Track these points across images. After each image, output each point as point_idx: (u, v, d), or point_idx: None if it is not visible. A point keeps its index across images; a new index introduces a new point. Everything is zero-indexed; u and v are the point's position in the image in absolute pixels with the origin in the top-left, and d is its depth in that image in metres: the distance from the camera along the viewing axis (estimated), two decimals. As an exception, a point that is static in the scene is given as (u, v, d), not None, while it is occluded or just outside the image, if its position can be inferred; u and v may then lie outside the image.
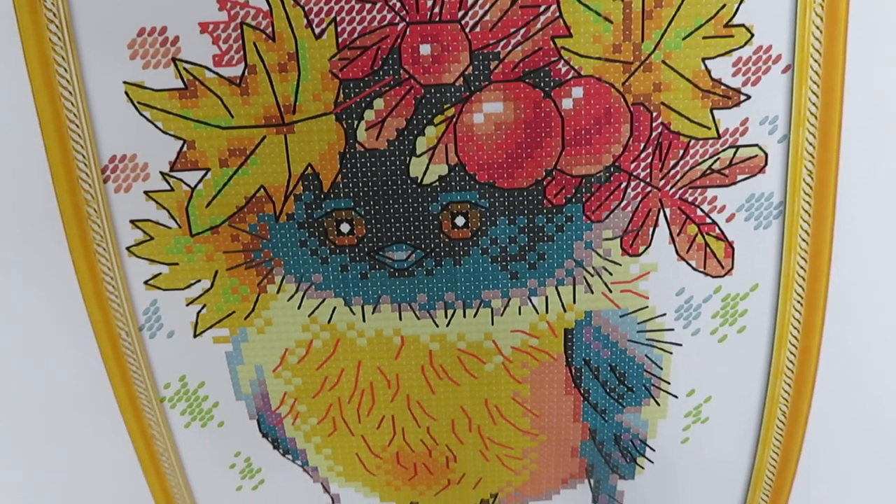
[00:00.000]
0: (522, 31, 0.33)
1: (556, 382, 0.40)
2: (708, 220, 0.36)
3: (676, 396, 0.40)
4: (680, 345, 0.39)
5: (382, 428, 0.41)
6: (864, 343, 0.39)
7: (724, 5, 0.33)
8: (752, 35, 0.33)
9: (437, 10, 0.33)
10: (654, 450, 0.42)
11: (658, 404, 0.41)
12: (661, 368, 0.39)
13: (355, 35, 0.33)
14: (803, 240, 0.37)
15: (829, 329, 0.39)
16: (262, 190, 0.35)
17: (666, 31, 0.33)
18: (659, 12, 0.33)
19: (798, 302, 0.38)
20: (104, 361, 0.38)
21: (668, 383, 0.40)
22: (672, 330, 0.38)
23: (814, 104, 0.34)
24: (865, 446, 0.42)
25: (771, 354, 0.39)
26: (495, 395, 0.40)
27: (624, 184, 0.36)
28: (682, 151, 0.35)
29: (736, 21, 0.33)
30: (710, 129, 0.35)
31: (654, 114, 0.35)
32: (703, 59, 0.34)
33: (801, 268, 0.37)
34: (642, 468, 0.43)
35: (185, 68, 0.33)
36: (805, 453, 0.42)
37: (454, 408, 0.41)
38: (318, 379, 0.40)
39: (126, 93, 0.33)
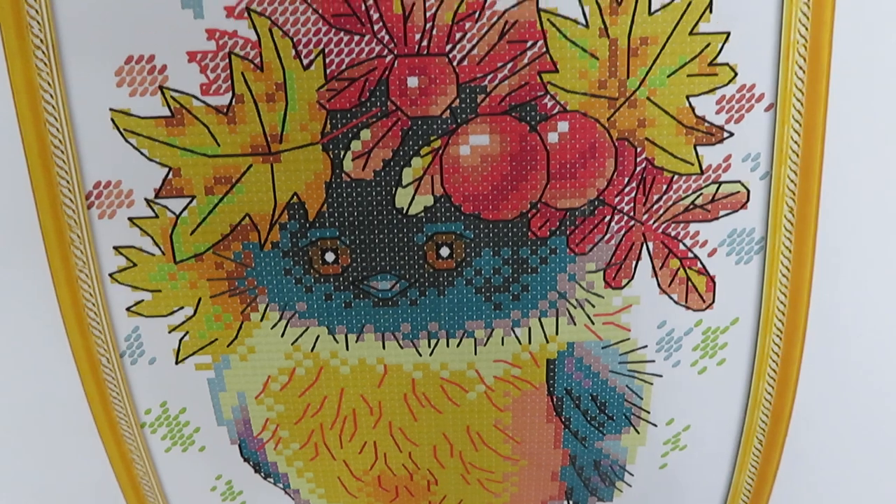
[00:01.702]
0: (509, 65, 0.32)
1: (537, 411, 0.38)
2: (690, 255, 0.35)
3: (656, 425, 0.39)
4: (660, 376, 0.38)
5: (364, 453, 0.40)
6: (843, 374, 0.38)
7: (708, 44, 0.32)
8: (736, 74, 0.32)
9: (425, 43, 0.32)
10: (632, 474, 0.41)
11: (637, 432, 0.39)
12: (642, 398, 0.38)
13: (343, 66, 0.32)
14: (783, 275, 0.36)
15: (808, 361, 0.38)
16: (247, 218, 0.34)
17: (651, 68, 0.32)
18: (644, 50, 0.32)
19: (777, 335, 0.37)
20: (84, 387, 0.36)
21: (648, 412, 0.39)
22: (653, 361, 0.37)
23: (795, 142, 0.34)
24: (840, 471, 0.41)
25: (750, 386, 0.38)
26: (477, 422, 0.39)
27: (608, 217, 0.34)
28: (665, 186, 0.34)
29: (720, 60, 0.32)
30: (693, 164, 0.34)
31: (639, 149, 0.34)
32: (688, 97, 0.33)
33: (781, 302, 0.36)
34: (620, 491, 0.42)
35: (172, 96, 0.32)
36: (780, 476, 0.41)
37: (436, 434, 0.39)
38: (300, 405, 0.38)
39: (112, 119, 0.32)
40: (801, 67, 0.33)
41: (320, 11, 0.31)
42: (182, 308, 0.35)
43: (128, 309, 0.35)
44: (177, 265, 0.34)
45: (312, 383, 0.37)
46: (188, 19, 0.31)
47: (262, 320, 0.36)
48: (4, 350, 0.36)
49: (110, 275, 0.34)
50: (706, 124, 0.33)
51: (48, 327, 0.35)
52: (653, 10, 0.32)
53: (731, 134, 0.33)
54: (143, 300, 0.35)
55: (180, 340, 0.36)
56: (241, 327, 0.36)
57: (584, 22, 0.32)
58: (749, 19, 0.32)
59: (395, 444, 0.39)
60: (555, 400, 0.38)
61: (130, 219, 0.33)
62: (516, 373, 0.37)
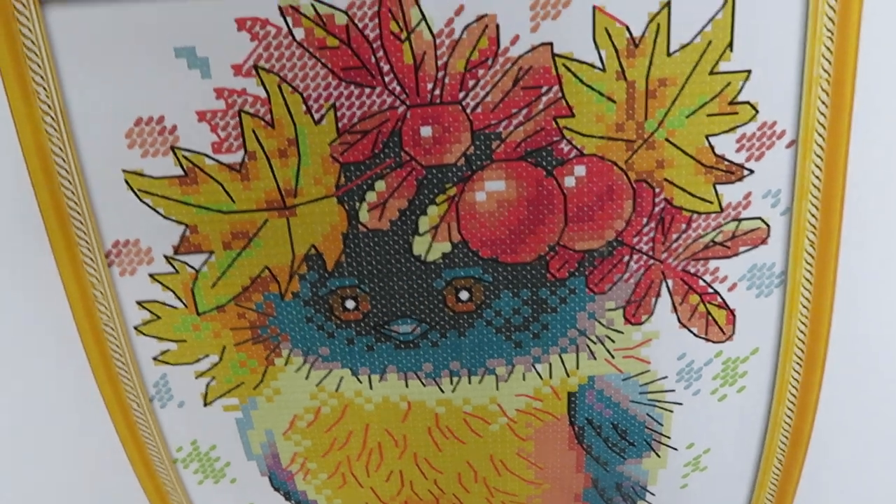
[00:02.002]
0: (524, 111, 0.31)
1: (559, 439, 0.38)
2: (710, 290, 0.34)
3: (676, 449, 0.39)
4: (681, 404, 0.37)
5: (391, 480, 0.40)
6: (862, 395, 0.38)
7: (728, 83, 0.31)
8: (757, 112, 0.31)
9: (437, 92, 0.31)
10: (653, 494, 0.41)
11: (658, 456, 0.39)
12: (662, 425, 0.38)
13: (355, 119, 0.31)
14: (804, 306, 0.35)
15: (828, 386, 0.37)
16: (266, 270, 0.33)
17: (670, 109, 0.31)
18: (663, 91, 0.31)
19: (797, 363, 0.36)
20: (117, 430, 0.36)
21: (669, 437, 0.38)
22: (673, 391, 0.37)
23: (817, 177, 0.32)
24: (858, 491, 0.41)
25: (769, 410, 0.38)
26: (500, 451, 0.39)
27: (627, 257, 0.34)
28: (684, 225, 0.33)
29: (741, 98, 0.31)
30: (712, 203, 0.33)
31: (657, 189, 0.33)
32: (707, 136, 0.31)
33: (801, 332, 0.35)
34: (642, 507, 0.42)
35: (184, 156, 0.31)
36: (799, 494, 0.41)
37: (460, 463, 0.39)
38: (327, 440, 0.38)
39: (126, 181, 0.32)
40: (823, 103, 0.31)
41: (329, 66, 0.30)
42: (207, 356, 0.35)
43: (154, 358, 0.35)
44: (200, 316, 0.34)
45: (338, 420, 0.37)
46: (196, 79, 0.30)
47: (286, 365, 0.35)
48: (38, 402, 0.36)
49: (135, 327, 0.34)
50: (726, 163, 0.32)
51: (78, 379, 0.35)
52: (671, 50, 0.30)
53: (752, 171, 0.32)
54: (168, 350, 0.35)
55: (207, 385, 0.36)
56: (266, 371, 0.36)
57: (600, 66, 0.30)
58: (770, 56, 0.30)
59: (420, 472, 0.39)
60: (576, 429, 0.38)
61: (151, 275, 0.33)
62: (538, 405, 0.37)
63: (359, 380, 0.36)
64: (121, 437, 0.37)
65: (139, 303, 0.33)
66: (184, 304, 0.34)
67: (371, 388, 0.36)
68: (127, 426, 0.36)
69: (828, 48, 0.30)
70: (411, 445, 0.38)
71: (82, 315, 0.33)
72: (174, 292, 0.33)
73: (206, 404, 0.36)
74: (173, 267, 0.33)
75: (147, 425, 0.37)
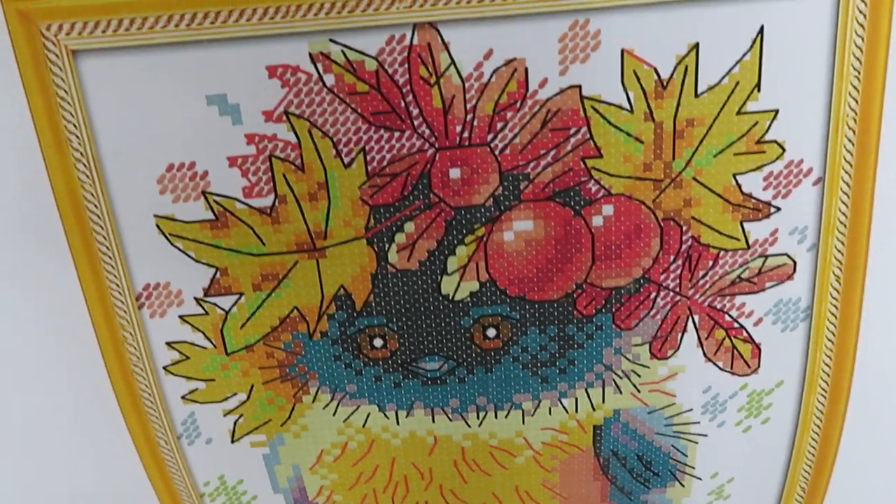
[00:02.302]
0: (552, 152, 0.31)
1: (584, 471, 0.39)
2: (736, 325, 0.34)
3: (700, 479, 0.39)
4: (705, 435, 0.37)
5: (416, 511, 0.41)
6: (886, 427, 0.38)
7: (756, 123, 0.31)
8: (784, 150, 0.31)
9: (466, 134, 0.31)
10: (677, 520, 0.42)
11: (682, 486, 0.39)
12: (686, 455, 0.38)
13: (385, 163, 0.31)
14: (829, 339, 0.35)
15: (851, 416, 0.38)
16: (295, 311, 0.33)
17: (697, 149, 0.31)
18: (690, 131, 0.31)
19: (822, 395, 0.36)
20: (144, 466, 0.36)
21: (693, 468, 0.39)
22: (698, 423, 0.37)
23: (843, 213, 0.33)
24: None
25: (793, 441, 0.38)
26: (525, 482, 0.39)
27: (653, 294, 0.34)
28: (711, 262, 0.33)
29: (768, 137, 0.31)
30: (739, 240, 0.33)
31: (684, 227, 0.33)
32: (734, 175, 0.32)
33: (826, 364, 0.35)
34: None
35: (215, 201, 0.31)
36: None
37: (486, 494, 0.39)
38: (353, 473, 0.38)
39: (157, 225, 0.32)
40: (850, 140, 0.32)
41: (359, 110, 0.30)
42: (236, 394, 0.35)
43: (183, 397, 0.35)
44: (228, 356, 0.34)
45: (364, 455, 0.37)
46: (227, 125, 0.30)
47: (313, 402, 0.35)
48: (66, 441, 0.37)
49: (164, 367, 0.35)
50: (753, 201, 0.32)
51: (107, 418, 0.35)
52: (699, 91, 0.30)
53: (779, 209, 0.32)
54: (197, 388, 0.35)
55: (235, 422, 0.36)
56: (293, 409, 0.36)
57: (628, 107, 0.30)
58: (798, 95, 0.30)
59: (445, 502, 0.40)
60: (601, 460, 0.38)
61: (181, 316, 0.33)
62: (563, 438, 0.37)
63: (386, 416, 0.36)
64: (148, 473, 0.37)
65: (168, 343, 0.34)
66: (213, 344, 0.34)
67: (398, 423, 0.36)
68: (154, 462, 0.37)
69: (854, 87, 0.30)
70: (437, 478, 0.38)
71: (112, 356, 0.33)
72: (203, 333, 0.33)
73: (233, 441, 0.36)
74: (203, 308, 0.33)
75: (174, 461, 0.37)
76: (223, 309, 0.33)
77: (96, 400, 0.35)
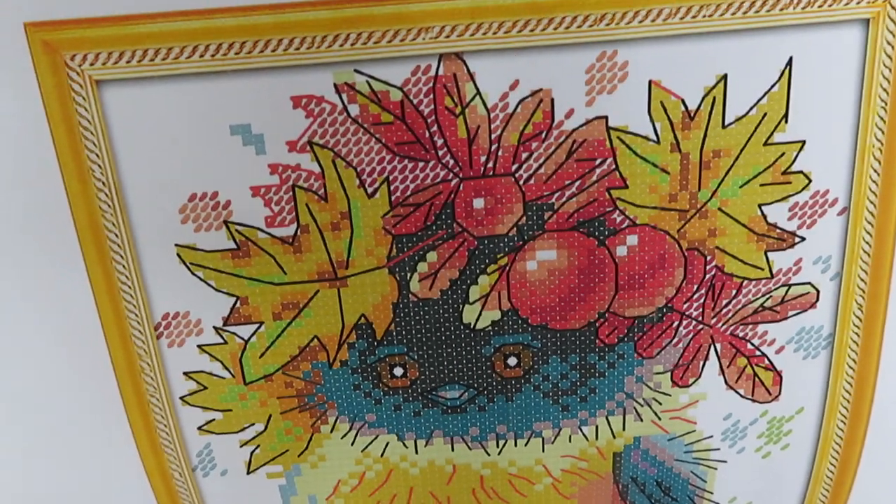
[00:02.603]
0: (577, 183, 0.31)
1: (603, 497, 0.38)
2: (757, 353, 0.35)
3: (719, 503, 0.40)
4: (725, 462, 0.37)
5: (432, 538, 0.40)
6: (903, 452, 0.38)
7: (783, 154, 0.31)
8: (810, 181, 0.31)
9: (490, 164, 0.31)
10: (693, 545, 0.42)
11: (700, 510, 0.40)
12: (705, 481, 0.38)
13: (408, 193, 0.31)
14: (850, 367, 0.35)
15: (870, 443, 0.38)
16: (315, 340, 0.33)
17: (723, 180, 0.31)
18: (717, 162, 0.31)
19: (842, 421, 0.37)
20: (157, 499, 0.36)
21: (711, 493, 0.39)
22: (718, 449, 0.37)
23: (867, 242, 0.33)
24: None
25: (812, 466, 0.38)
26: (543, 509, 0.39)
27: (676, 323, 0.34)
28: (734, 291, 0.33)
29: (794, 168, 0.31)
30: (763, 270, 0.33)
31: (709, 257, 0.33)
32: (760, 205, 0.32)
33: (847, 391, 0.36)
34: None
35: (237, 230, 0.31)
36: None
37: (503, 521, 0.40)
38: (371, 503, 0.38)
39: (178, 255, 0.31)
40: (875, 171, 0.32)
41: (384, 140, 0.30)
42: (253, 424, 0.35)
43: (199, 428, 0.35)
44: (247, 386, 0.34)
45: (382, 484, 0.37)
46: (250, 155, 0.29)
47: (332, 432, 0.35)
48: (80, 472, 0.36)
49: (181, 398, 0.34)
50: (778, 231, 0.32)
51: (121, 448, 0.34)
52: (727, 123, 0.30)
53: (803, 239, 0.32)
54: (213, 419, 0.34)
55: (251, 453, 0.35)
56: (311, 439, 0.35)
57: (654, 138, 0.30)
58: (825, 126, 0.31)
59: (462, 530, 0.40)
60: (620, 487, 0.38)
61: (199, 346, 0.33)
62: (583, 465, 0.37)
63: (405, 445, 0.36)
64: None
65: (186, 373, 0.33)
66: (231, 374, 0.33)
67: (417, 452, 0.36)
68: (168, 495, 0.36)
69: (881, 117, 0.30)
70: (455, 505, 0.38)
71: (128, 386, 0.33)
72: (222, 362, 0.33)
73: (249, 472, 0.36)
74: (222, 338, 0.32)
75: (188, 494, 0.36)
76: (242, 338, 0.33)
77: (111, 431, 0.34)
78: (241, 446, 0.35)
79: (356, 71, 0.28)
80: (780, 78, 0.29)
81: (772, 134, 0.30)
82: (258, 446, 0.35)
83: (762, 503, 0.39)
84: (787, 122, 0.30)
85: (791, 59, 0.29)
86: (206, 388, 0.34)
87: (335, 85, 0.29)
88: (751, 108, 0.30)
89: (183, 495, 0.36)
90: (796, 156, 0.31)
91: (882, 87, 0.30)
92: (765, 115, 0.30)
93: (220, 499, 0.36)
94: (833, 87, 0.30)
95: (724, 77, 0.29)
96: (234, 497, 0.37)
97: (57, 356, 0.32)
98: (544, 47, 0.29)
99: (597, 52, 0.29)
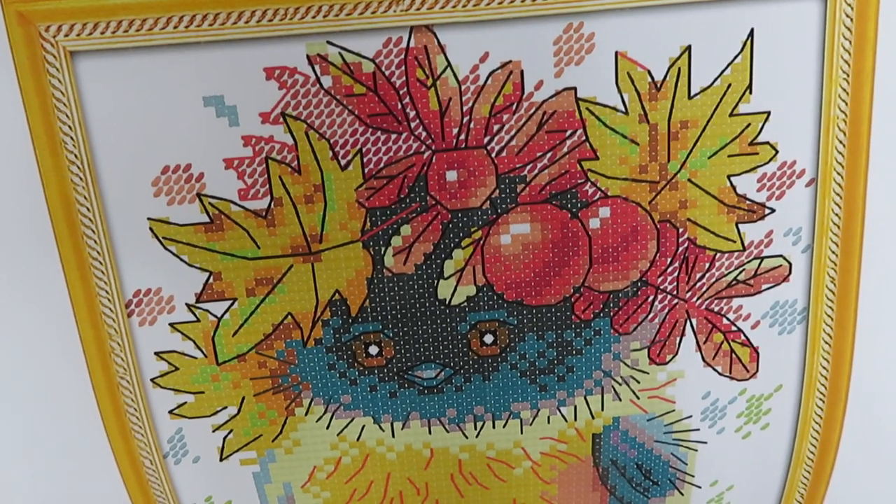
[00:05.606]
0: (549, 155, 0.33)
1: (583, 481, 0.39)
2: (733, 328, 0.36)
3: (700, 487, 0.40)
4: (705, 443, 0.38)
5: (410, 530, 0.41)
6: (885, 431, 0.40)
7: (748, 124, 0.33)
8: (777, 152, 0.33)
9: (462, 137, 0.32)
10: (677, 534, 0.43)
11: (682, 494, 0.40)
12: (686, 464, 0.39)
13: (381, 165, 0.32)
14: (826, 342, 0.37)
15: (850, 420, 0.39)
16: (289, 317, 0.34)
17: (692, 151, 0.33)
18: (685, 133, 0.33)
19: (820, 399, 0.38)
20: (127, 487, 0.37)
21: (693, 476, 0.40)
22: (698, 430, 0.38)
23: (836, 214, 0.34)
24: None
25: (792, 446, 0.39)
26: (523, 495, 0.40)
27: (651, 297, 0.35)
28: (707, 264, 0.35)
29: (761, 139, 0.33)
30: (735, 242, 0.34)
31: (681, 230, 0.34)
32: (729, 176, 0.33)
33: (824, 368, 0.37)
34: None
35: (210, 203, 0.32)
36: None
37: (482, 510, 0.40)
38: (347, 490, 0.38)
39: (151, 229, 0.32)
40: (840, 142, 0.34)
41: (356, 112, 0.32)
42: (226, 408, 0.35)
43: (170, 412, 0.36)
44: (219, 366, 0.35)
45: (358, 470, 0.38)
46: (223, 127, 0.31)
47: (306, 414, 0.36)
48: (46, 459, 0.36)
49: (152, 380, 0.35)
50: (748, 202, 0.34)
51: (90, 434, 0.35)
52: (692, 93, 0.32)
53: (773, 210, 0.34)
54: (185, 402, 0.35)
55: (224, 438, 0.36)
56: (285, 422, 0.36)
57: (623, 109, 0.32)
58: (789, 97, 0.33)
59: (441, 520, 0.41)
60: (600, 470, 0.39)
61: (171, 324, 0.34)
62: (562, 448, 0.38)
63: (381, 428, 0.37)
64: (130, 495, 0.37)
65: (157, 353, 0.34)
66: (203, 353, 0.34)
67: (393, 436, 0.37)
68: (138, 483, 0.37)
69: (844, 89, 0.32)
70: (433, 492, 0.39)
71: (98, 367, 0.34)
72: (194, 342, 0.34)
73: (222, 459, 0.37)
74: (195, 315, 0.33)
75: (160, 482, 0.37)
76: (215, 315, 0.34)
77: (79, 415, 0.35)
78: (213, 431, 0.36)
79: (329, 42, 0.30)
80: (742, 49, 0.31)
81: (737, 105, 0.32)
82: (231, 431, 0.36)
83: (744, 487, 0.40)
84: (751, 93, 0.32)
85: (752, 30, 0.31)
86: (177, 368, 0.34)
87: (308, 56, 0.30)
88: (715, 79, 0.32)
89: (154, 484, 0.37)
90: (762, 127, 0.32)
91: (843, 58, 0.32)
92: (729, 85, 0.32)
93: (193, 488, 0.37)
94: (795, 59, 0.32)
95: (689, 48, 0.31)
96: (207, 486, 0.37)
97: (25, 335, 0.33)
98: (513, 19, 0.31)
99: (564, 24, 0.31)
